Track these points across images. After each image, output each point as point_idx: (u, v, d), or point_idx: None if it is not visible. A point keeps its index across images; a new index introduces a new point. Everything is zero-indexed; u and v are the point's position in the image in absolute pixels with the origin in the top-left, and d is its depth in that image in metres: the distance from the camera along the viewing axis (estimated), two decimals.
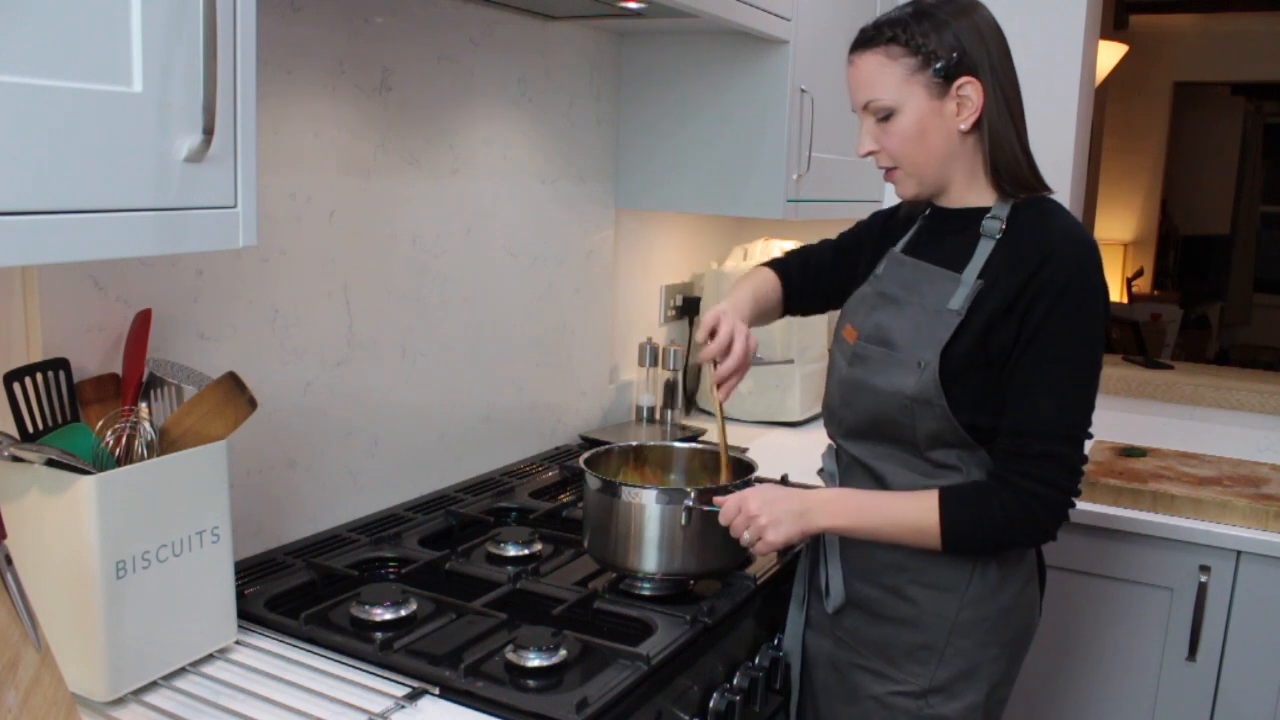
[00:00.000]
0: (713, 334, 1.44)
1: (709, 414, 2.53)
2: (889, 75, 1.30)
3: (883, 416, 1.36)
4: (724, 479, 1.49)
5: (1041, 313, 1.26)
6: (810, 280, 1.63)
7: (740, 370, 1.43)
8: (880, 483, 1.39)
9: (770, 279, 1.62)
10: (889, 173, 1.38)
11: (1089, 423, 1.30)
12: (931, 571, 1.36)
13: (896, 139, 1.32)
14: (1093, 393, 1.30)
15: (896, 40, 1.30)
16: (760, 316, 1.58)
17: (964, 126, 1.31)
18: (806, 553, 1.53)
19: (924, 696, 1.38)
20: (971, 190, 1.36)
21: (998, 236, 1.32)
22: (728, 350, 1.42)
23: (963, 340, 1.30)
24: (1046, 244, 1.28)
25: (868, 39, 1.33)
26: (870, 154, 1.37)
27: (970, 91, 1.30)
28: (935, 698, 1.37)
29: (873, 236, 1.56)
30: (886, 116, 1.32)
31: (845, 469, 1.47)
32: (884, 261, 1.45)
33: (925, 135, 1.31)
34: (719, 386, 1.44)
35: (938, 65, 1.28)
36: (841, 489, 1.45)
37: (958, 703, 1.37)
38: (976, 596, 1.36)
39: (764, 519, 1.31)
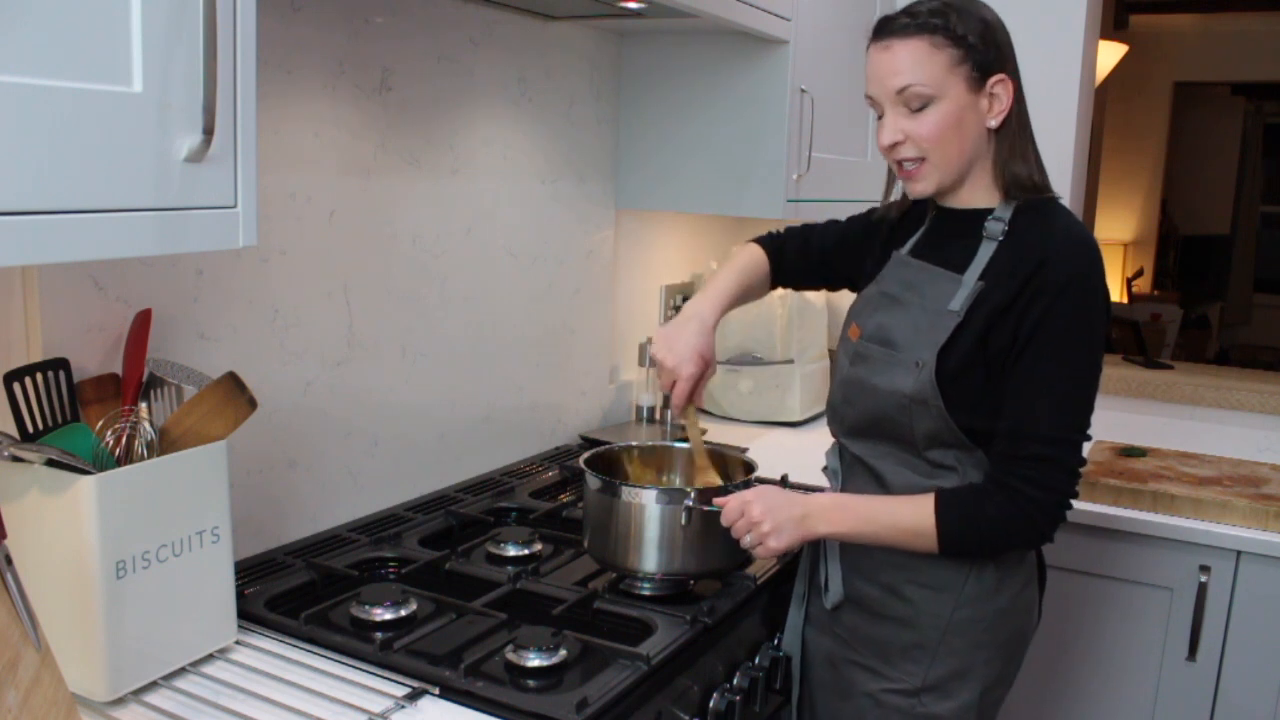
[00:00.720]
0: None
1: (709, 414, 2.53)
2: (933, 63, 1.26)
3: (882, 415, 1.36)
4: (701, 479, 1.52)
5: (1040, 312, 1.26)
6: (808, 262, 1.62)
7: (684, 395, 1.45)
8: (879, 481, 1.39)
9: (758, 260, 1.61)
10: (913, 168, 1.32)
11: (1087, 424, 1.29)
12: (928, 571, 1.36)
13: (934, 129, 1.28)
14: (1091, 394, 1.29)
15: (939, 30, 1.26)
16: (743, 301, 1.59)
17: (993, 124, 1.30)
18: (808, 550, 1.53)
19: (917, 695, 1.38)
20: (981, 190, 1.35)
21: (1000, 238, 1.32)
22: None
23: (961, 341, 1.29)
24: (1047, 244, 1.28)
25: (906, 25, 1.28)
26: (895, 145, 1.31)
27: (1001, 90, 1.29)
28: (928, 696, 1.38)
29: (888, 228, 1.51)
30: (922, 106, 1.28)
31: (847, 467, 1.47)
32: (889, 263, 1.45)
33: (961, 128, 1.29)
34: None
35: (976, 59, 1.27)
36: (839, 495, 1.44)
37: (951, 702, 1.37)
38: (972, 597, 1.36)
39: (766, 525, 1.31)
